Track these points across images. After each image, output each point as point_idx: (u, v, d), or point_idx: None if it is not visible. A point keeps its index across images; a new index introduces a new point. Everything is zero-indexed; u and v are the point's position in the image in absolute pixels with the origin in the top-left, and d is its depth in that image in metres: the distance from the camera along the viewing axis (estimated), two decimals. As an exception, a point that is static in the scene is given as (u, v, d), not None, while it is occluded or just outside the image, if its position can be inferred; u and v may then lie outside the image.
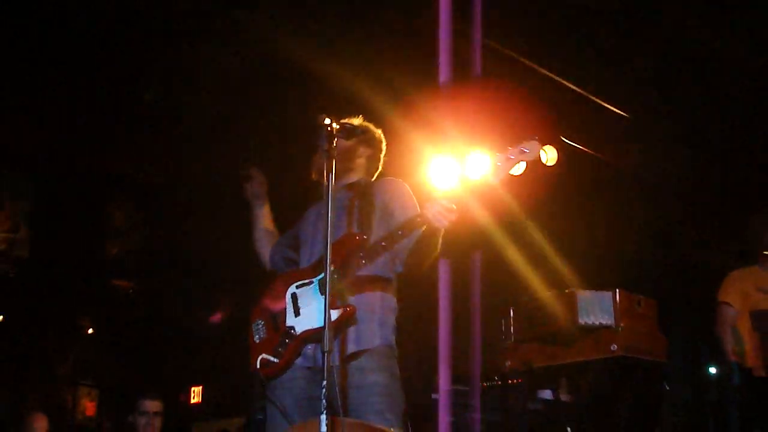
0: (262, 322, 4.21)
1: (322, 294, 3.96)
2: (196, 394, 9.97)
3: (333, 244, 3.98)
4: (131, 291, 10.82)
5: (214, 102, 7.49)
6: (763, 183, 7.37)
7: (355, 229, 4.17)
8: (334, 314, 3.90)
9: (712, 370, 7.56)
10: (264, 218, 4.67)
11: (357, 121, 4.46)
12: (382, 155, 4.56)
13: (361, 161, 4.47)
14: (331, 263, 3.90)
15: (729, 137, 7.50)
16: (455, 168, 7.51)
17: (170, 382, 9.55)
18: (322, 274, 3.95)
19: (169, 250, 10.17)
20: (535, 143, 3.86)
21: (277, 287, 4.23)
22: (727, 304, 6.28)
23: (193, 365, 9.93)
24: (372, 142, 4.52)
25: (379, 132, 4.56)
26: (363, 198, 4.30)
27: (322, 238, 3.77)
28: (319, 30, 6.48)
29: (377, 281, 4.13)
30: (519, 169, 7.66)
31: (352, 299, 4.02)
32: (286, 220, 4.65)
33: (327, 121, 3.93)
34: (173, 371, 10.03)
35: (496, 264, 7.35)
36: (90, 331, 10.72)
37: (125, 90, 7.72)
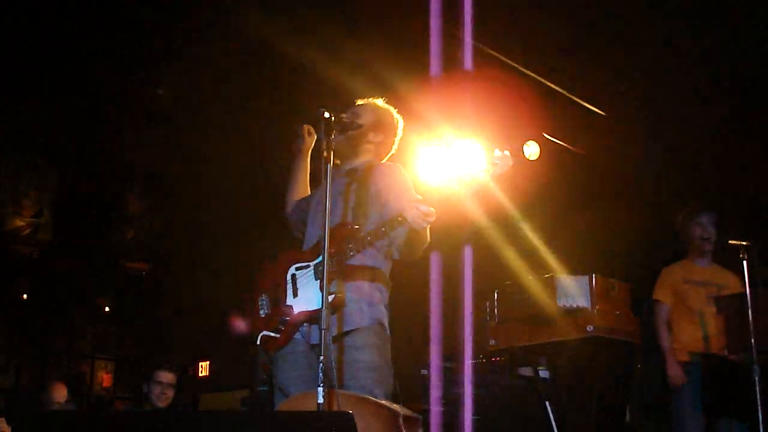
0: (266, 298, 4.18)
1: (317, 278, 3.97)
2: (203, 368, 9.93)
3: (329, 232, 3.98)
4: (145, 273, 10.80)
5: (223, 93, 7.44)
6: (734, 176, 7.35)
7: (349, 218, 4.12)
8: (331, 299, 3.87)
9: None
10: (299, 173, 4.56)
11: (373, 103, 4.40)
12: (396, 139, 4.45)
13: (369, 146, 4.37)
14: (331, 247, 3.91)
15: (698, 134, 7.48)
16: (443, 159, 7.47)
17: (180, 356, 9.51)
18: (319, 259, 3.95)
19: (180, 235, 10.15)
20: (505, 156, 3.83)
21: (280, 265, 4.19)
22: (659, 301, 6.22)
23: (200, 341, 9.90)
24: (385, 127, 4.40)
25: (396, 117, 4.44)
26: (360, 185, 4.21)
27: (320, 225, 3.77)
28: (313, 24, 6.42)
29: (366, 270, 4.07)
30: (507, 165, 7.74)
31: (339, 285, 3.96)
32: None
33: (326, 114, 3.91)
34: (183, 347, 10.01)
35: (482, 251, 7.33)
36: (107, 309, 10.70)
37: (141, 84, 7.68)
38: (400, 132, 4.46)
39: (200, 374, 9.94)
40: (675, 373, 6.00)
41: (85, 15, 6.75)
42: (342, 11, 6.45)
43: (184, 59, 7.12)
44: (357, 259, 4.00)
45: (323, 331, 3.60)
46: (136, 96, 7.94)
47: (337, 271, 3.95)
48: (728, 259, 5.90)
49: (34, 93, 8.01)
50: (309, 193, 4.56)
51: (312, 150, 4.57)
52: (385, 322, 4.13)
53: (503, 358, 7.00)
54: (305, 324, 4.02)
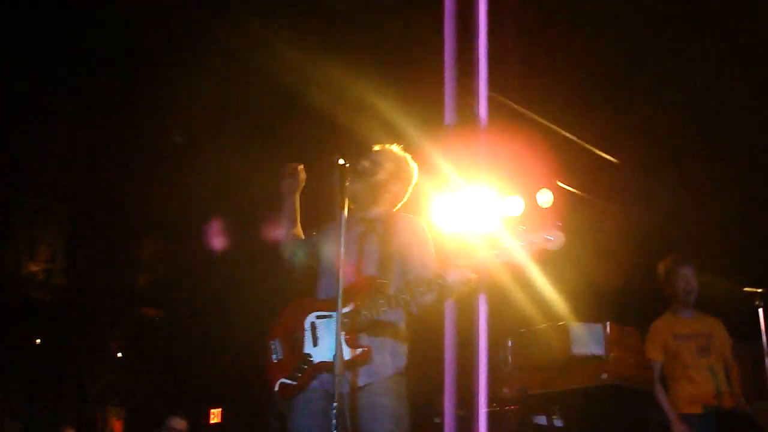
0: (279, 343, 4.14)
1: (341, 330, 3.87)
2: (215, 416, 9.88)
3: (353, 284, 3.99)
4: (157, 318, 10.80)
5: (238, 140, 7.48)
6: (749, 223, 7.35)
7: (373, 270, 4.10)
8: (350, 352, 3.90)
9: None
10: (291, 214, 4.53)
11: (391, 151, 4.41)
12: (410, 188, 4.41)
13: (387, 196, 4.32)
14: (350, 301, 3.92)
15: (713, 181, 7.49)
16: (457, 207, 7.49)
17: (191, 403, 9.48)
18: (343, 311, 3.88)
19: (192, 282, 10.15)
20: (561, 234, 3.81)
21: (297, 312, 4.16)
22: (651, 359, 6.19)
23: (212, 388, 9.86)
24: (403, 176, 4.36)
25: (412, 164, 4.40)
26: (382, 237, 4.19)
27: (336, 278, 3.79)
28: (328, 70, 6.47)
29: (390, 326, 4.05)
30: (517, 210, 7.76)
31: (367, 340, 3.97)
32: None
33: (341, 162, 3.93)
34: (194, 393, 9.97)
35: (496, 298, 7.31)
36: (119, 354, 10.69)
37: (155, 132, 7.73)
38: (415, 179, 4.44)
39: (212, 421, 9.89)
40: (680, 429, 5.95)
41: (101, 62, 6.81)
42: (357, 58, 6.50)
43: (198, 106, 7.17)
44: (386, 315, 3.98)
45: (337, 377, 3.61)
46: (150, 142, 7.99)
47: (365, 325, 3.95)
48: (743, 309, 5.87)
49: (49, 139, 8.08)
50: (301, 234, 4.52)
51: (324, 194, 4.57)
52: (405, 370, 4.10)
53: (517, 406, 6.94)
54: (324, 374, 4.00)
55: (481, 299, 7.22)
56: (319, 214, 4.52)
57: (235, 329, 9.48)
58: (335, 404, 3.57)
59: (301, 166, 4.53)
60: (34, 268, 9.87)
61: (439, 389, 7.01)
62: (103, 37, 6.63)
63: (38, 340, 9.91)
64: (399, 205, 4.41)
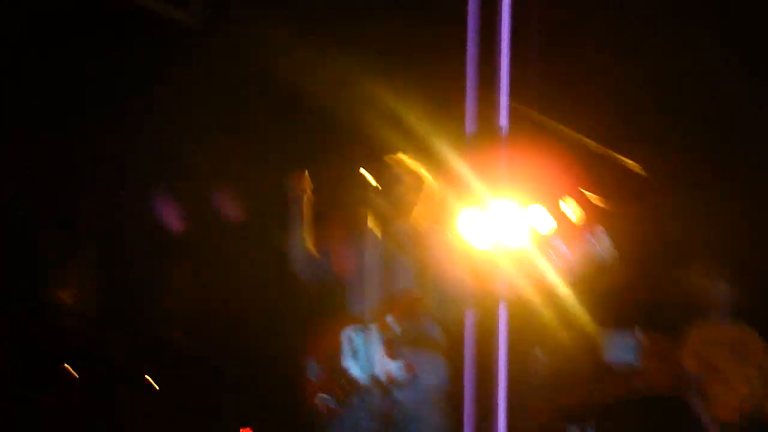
0: (317, 360, 4.16)
1: (380, 342, 3.98)
2: (246, 435, 9.84)
3: (396, 298, 4.05)
4: (186, 342, 10.80)
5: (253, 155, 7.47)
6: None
7: (410, 284, 4.12)
8: (393, 365, 3.96)
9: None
10: (301, 224, 4.53)
11: (411, 162, 4.40)
12: (428, 198, 4.48)
13: (410, 208, 4.39)
14: (390, 314, 3.90)
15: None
16: (482, 221, 7.44)
17: (222, 425, 9.46)
18: (382, 323, 3.99)
19: (221, 303, 10.17)
20: (607, 239, 3.78)
21: (332, 327, 4.19)
22: (686, 368, 6.15)
23: (244, 409, 9.85)
24: (419, 188, 4.43)
25: (426, 174, 4.47)
26: (416, 251, 4.22)
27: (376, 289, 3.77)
28: (350, 79, 6.47)
29: (431, 340, 4.13)
30: (546, 223, 7.68)
31: (407, 352, 3.99)
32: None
33: (364, 173, 3.94)
34: (224, 414, 9.96)
35: (522, 309, 7.24)
36: (150, 380, 10.68)
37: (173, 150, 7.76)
38: (431, 188, 4.50)
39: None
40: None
41: (90, 92, 6.82)
42: (379, 67, 6.51)
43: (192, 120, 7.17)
44: (423, 327, 4.06)
45: (374, 391, 3.60)
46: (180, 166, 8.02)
47: (406, 338, 3.97)
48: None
49: (74, 170, 8.13)
50: (311, 246, 4.51)
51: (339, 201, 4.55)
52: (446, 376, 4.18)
53: (546, 420, 6.88)
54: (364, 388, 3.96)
55: (502, 310, 7.17)
56: (336, 222, 4.52)
57: (261, 348, 9.47)
58: (371, 423, 3.56)
59: (306, 173, 4.51)
60: (64, 296, 9.92)
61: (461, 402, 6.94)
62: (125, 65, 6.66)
63: (73, 371, 9.92)
64: (422, 216, 4.41)
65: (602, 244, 3.77)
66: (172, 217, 9.09)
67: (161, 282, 10.65)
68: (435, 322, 4.00)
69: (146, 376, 10.52)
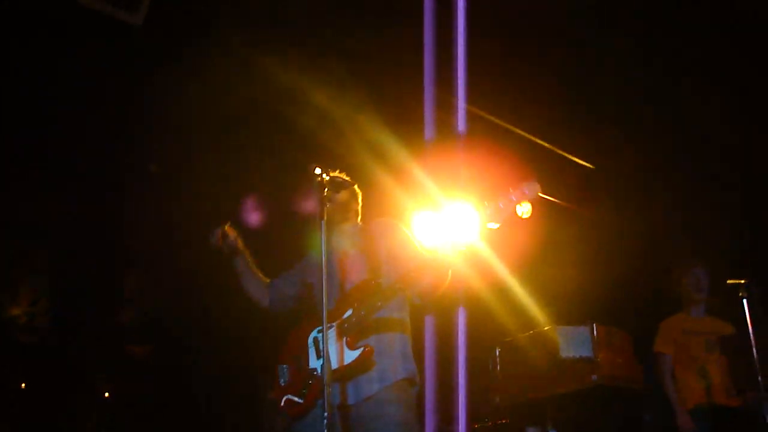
0: (286, 366, 4.20)
1: (342, 336, 3.97)
2: (208, 448, 9.78)
3: (350, 290, 4.09)
4: (144, 355, 10.69)
5: (218, 164, 7.45)
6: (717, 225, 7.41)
7: (365, 275, 4.15)
8: (354, 354, 3.93)
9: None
10: (249, 268, 4.60)
11: (340, 176, 4.47)
12: (360, 206, 4.57)
13: (353, 212, 4.49)
14: (348, 307, 3.93)
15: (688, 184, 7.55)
16: (437, 224, 7.50)
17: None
18: (342, 318, 4.01)
19: (178, 315, 10.09)
20: (534, 184, 3.85)
21: (300, 333, 4.21)
22: (662, 353, 6.29)
23: (205, 423, 9.77)
24: (356, 194, 4.53)
25: (355, 186, 4.56)
26: (367, 242, 4.30)
27: (336, 285, 3.81)
28: (307, 87, 6.49)
29: (396, 322, 4.11)
30: (497, 222, 7.76)
31: (373, 339, 4.00)
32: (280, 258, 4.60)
33: (318, 171, 3.97)
34: (186, 428, 9.87)
35: (478, 310, 7.30)
36: (107, 394, 10.56)
37: (132, 161, 7.70)
38: (360, 199, 4.58)
39: (204, 454, 9.78)
40: (684, 422, 5.99)
41: (72, 90, 6.75)
42: (337, 76, 6.53)
43: (175, 131, 7.13)
44: (385, 311, 4.03)
45: (326, 387, 3.59)
46: (128, 172, 7.95)
47: (365, 326, 3.99)
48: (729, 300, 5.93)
49: (22, 178, 8.03)
50: (264, 279, 4.60)
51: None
52: (416, 377, 4.15)
53: (507, 420, 6.92)
54: (333, 385, 3.95)
55: (461, 312, 7.22)
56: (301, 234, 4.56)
57: (225, 360, 9.43)
58: (326, 414, 3.54)
59: (227, 225, 4.58)
60: (16, 311, 9.76)
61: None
62: (80, 71, 6.59)
63: (23, 384, 9.77)
64: (359, 218, 4.55)
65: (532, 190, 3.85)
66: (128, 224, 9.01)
67: (115, 293, 10.55)
68: (399, 299, 4.01)
69: (105, 391, 10.42)
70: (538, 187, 3.85)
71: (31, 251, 9.90)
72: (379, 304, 3.96)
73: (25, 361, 9.79)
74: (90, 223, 9.00)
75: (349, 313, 3.99)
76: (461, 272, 4.07)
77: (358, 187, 4.57)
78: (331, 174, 4.31)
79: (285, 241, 4.66)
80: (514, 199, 3.86)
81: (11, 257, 9.81)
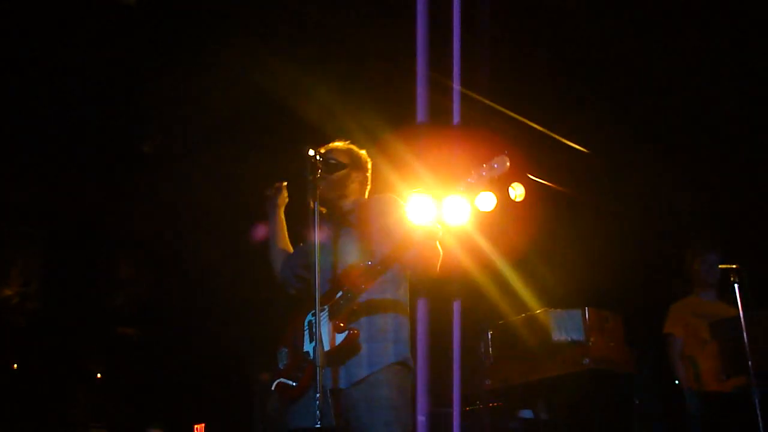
0: (286, 350, 4.16)
1: (331, 320, 3.93)
2: (199, 431, 9.79)
3: (342, 272, 4.02)
4: (137, 337, 10.69)
5: (213, 151, 7.43)
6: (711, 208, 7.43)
7: (356, 257, 4.08)
8: (340, 337, 3.88)
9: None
10: (278, 232, 4.56)
11: (342, 144, 4.43)
12: (369, 174, 4.47)
13: (354, 186, 4.37)
14: (339, 288, 3.95)
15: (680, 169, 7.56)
16: (431, 208, 7.49)
17: (175, 421, 9.39)
18: (333, 300, 3.97)
19: (172, 298, 10.09)
20: (503, 158, 3.84)
21: (299, 316, 4.17)
22: (671, 334, 6.31)
23: (195, 404, 9.79)
24: (361, 165, 4.42)
25: (363, 153, 4.47)
26: (360, 223, 4.22)
27: (326, 269, 3.79)
28: (303, 72, 6.47)
29: (389, 303, 4.05)
30: (490, 205, 7.77)
31: (363, 321, 3.96)
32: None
33: (311, 153, 3.95)
34: (177, 411, 9.89)
35: (472, 292, 7.31)
36: (99, 376, 10.56)
37: (127, 143, 7.67)
38: (370, 166, 4.50)
39: (196, 437, 9.80)
40: (694, 404, 6.05)
41: (76, 77, 6.73)
42: (330, 59, 6.51)
43: (170, 114, 7.11)
44: (375, 292, 3.98)
45: (318, 369, 3.58)
46: (122, 156, 7.92)
47: (354, 309, 3.94)
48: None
49: (16, 160, 8.00)
50: (290, 248, 4.55)
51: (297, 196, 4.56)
52: (410, 361, 4.09)
53: (501, 403, 6.94)
54: (326, 369, 3.88)
55: (456, 297, 7.23)
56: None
57: (217, 344, 9.44)
58: (318, 395, 3.53)
59: (285, 184, 4.56)
60: (8, 292, 9.74)
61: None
62: (80, 53, 6.56)
63: (15, 365, 9.77)
64: (367, 192, 4.45)
65: (502, 164, 3.84)
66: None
67: (107, 276, 10.55)
68: (383, 275, 3.88)
69: (97, 372, 10.43)
70: (507, 160, 3.81)
71: (24, 232, 9.88)
72: (363, 286, 3.90)
73: (16, 342, 9.79)
74: (84, 206, 8.99)
75: (339, 295, 3.96)
76: (453, 252, 4.04)
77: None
78: (327, 155, 4.30)
79: (289, 233, 4.60)
80: (484, 174, 3.82)
81: (3, 238, 9.79)
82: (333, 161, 4.24)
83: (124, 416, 10.50)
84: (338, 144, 4.46)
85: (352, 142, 4.50)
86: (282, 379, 4.06)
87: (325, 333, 3.92)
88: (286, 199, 4.59)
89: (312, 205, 3.86)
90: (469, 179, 3.86)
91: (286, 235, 4.59)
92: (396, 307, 4.09)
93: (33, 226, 9.85)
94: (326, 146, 4.41)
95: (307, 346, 4.03)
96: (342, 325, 3.88)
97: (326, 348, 3.86)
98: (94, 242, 9.95)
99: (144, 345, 10.64)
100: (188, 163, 7.64)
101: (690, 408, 6.10)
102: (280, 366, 4.13)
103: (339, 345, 3.87)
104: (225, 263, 8.94)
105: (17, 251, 9.84)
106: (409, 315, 4.21)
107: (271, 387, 4.11)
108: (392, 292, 4.07)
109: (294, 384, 4.00)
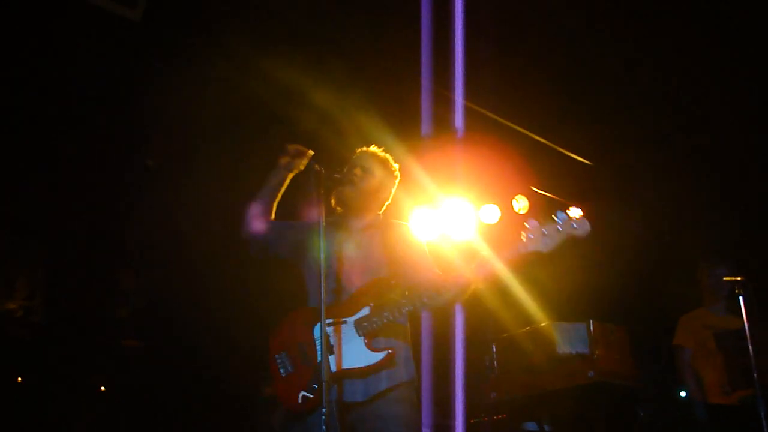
0: (286, 356, 4.07)
1: (359, 335, 3.92)
2: (203, 443, 9.79)
3: (364, 287, 4.03)
4: (141, 350, 10.69)
5: (213, 159, 7.44)
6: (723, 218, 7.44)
7: (383, 273, 4.10)
8: (378, 356, 3.91)
9: (683, 393, 7.53)
10: (274, 191, 4.40)
11: (380, 152, 4.40)
12: (394, 189, 4.45)
13: (377, 202, 4.36)
14: (364, 305, 3.95)
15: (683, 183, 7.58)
16: (434, 219, 7.52)
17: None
18: (358, 315, 3.95)
19: (173, 310, 10.09)
20: (585, 221, 3.79)
21: (300, 322, 4.09)
22: (680, 346, 6.34)
23: (200, 418, 9.78)
24: (391, 180, 4.40)
25: (395, 166, 4.43)
26: (385, 241, 4.20)
27: (335, 284, 3.81)
28: (307, 87, 6.48)
29: (400, 328, 4.08)
30: (494, 218, 7.79)
31: (382, 342, 3.97)
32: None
33: (317, 168, 3.97)
34: (182, 424, 9.88)
35: (476, 306, 7.31)
36: (102, 389, 10.55)
37: (128, 157, 7.69)
38: (398, 180, 4.46)
39: (200, 448, 9.79)
40: (703, 416, 6.07)
41: (75, 90, 6.74)
42: (334, 72, 6.52)
43: (175, 132, 7.12)
44: (395, 317, 3.97)
45: (324, 383, 3.58)
46: (124, 170, 7.94)
47: (384, 327, 3.94)
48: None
49: (20, 173, 8.02)
50: (273, 215, 4.42)
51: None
52: (416, 381, 4.12)
53: (505, 415, 6.94)
54: (345, 382, 3.93)
55: (458, 308, 7.22)
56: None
57: (222, 357, 9.45)
58: (324, 410, 3.53)
59: (311, 152, 4.36)
60: (11, 305, 9.76)
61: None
62: (78, 66, 6.57)
63: (19, 379, 9.77)
64: (384, 207, 4.43)
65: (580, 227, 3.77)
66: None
67: (111, 288, 10.54)
68: (417, 308, 3.89)
69: (101, 386, 10.43)
70: (588, 225, 3.75)
71: (27, 245, 9.89)
72: (407, 308, 3.90)
73: (20, 356, 9.80)
74: (87, 218, 9.00)
75: (365, 311, 3.93)
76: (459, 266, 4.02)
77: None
78: (369, 152, 4.27)
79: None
80: (561, 229, 3.76)
81: (7, 251, 9.80)
82: (338, 177, 4.20)
83: (128, 430, 10.50)
84: (374, 153, 4.40)
85: (387, 151, 4.44)
86: (304, 392, 3.97)
87: (351, 349, 3.91)
88: (300, 168, 4.38)
89: (318, 218, 3.86)
90: (543, 230, 3.79)
91: (276, 200, 4.44)
92: (405, 335, 4.12)
93: (36, 239, 9.87)
94: (363, 149, 4.40)
95: (324, 357, 3.90)
96: (373, 343, 3.91)
97: (352, 364, 3.88)
98: (97, 254, 9.96)
99: (148, 357, 10.64)
100: (189, 172, 7.64)
101: (697, 419, 6.12)
102: (282, 373, 4.05)
103: (375, 364, 3.89)
104: (230, 274, 8.95)
105: (21, 264, 9.86)
106: (413, 327, 4.23)
107: (295, 401, 3.98)
108: (403, 318, 4.07)
109: (311, 396, 3.93)
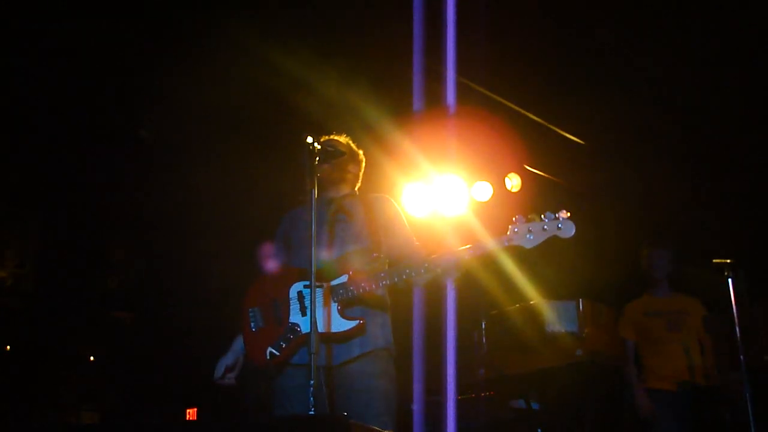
0: (260, 311, 4.11)
1: (334, 301, 3.95)
2: (191, 415, 9.81)
3: (345, 256, 4.06)
4: (130, 321, 10.69)
5: (205, 132, 7.42)
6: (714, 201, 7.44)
7: (364, 245, 4.14)
8: (348, 324, 3.93)
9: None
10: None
11: (342, 139, 4.47)
12: (361, 173, 4.53)
13: (350, 176, 4.42)
14: (343, 272, 3.98)
15: (677, 161, 7.57)
16: (426, 195, 7.51)
17: (167, 404, 9.40)
18: (335, 282, 3.97)
19: (164, 282, 10.08)
20: (570, 223, 3.82)
21: (278, 280, 4.13)
22: (623, 338, 6.32)
23: (188, 388, 9.79)
24: (358, 158, 4.49)
25: (359, 150, 4.54)
26: (365, 213, 4.27)
27: (308, 249, 3.75)
28: (300, 62, 6.45)
29: (380, 299, 4.10)
30: (486, 195, 7.77)
31: (357, 311, 4.00)
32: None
33: (310, 140, 3.95)
34: (169, 395, 9.90)
35: (466, 282, 7.31)
36: (91, 359, 10.57)
37: (123, 128, 7.66)
38: (363, 162, 4.56)
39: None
40: (643, 404, 6.06)
41: (72, 60, 6.71)
42: (324, 48, 6.49)
43: (167, 101, 7.09)
44: (371, 288, 3.98)
45: (312, 355, 3.58)
46: (117, 140, 7.91)
47: (359, 298, 3.97)
48: (715, 279, 5.95)
49: (12, 142, 7.98)
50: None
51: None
52: (393, 349, 4.15)
53: (493, 392, 6.96)
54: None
55: (449, 284, 7.23)
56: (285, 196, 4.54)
57: (210, 328, 9.45)
58: (312, 381, 3.54)
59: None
60: (2, 273, 9.74)
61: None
62: (77, 35, 6.53)
63: (8, 347, 9.77)
64: (357, 186, 4.50)
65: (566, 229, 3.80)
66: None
67: (102, 259, 10.53)
68: (401, 281, 3.90)
69: (90, 355, 10.44)
70: (573, 228, 3.79)
71: (19, 214, 9.86)
72: (385, 281, 3.92)
73: (10, 324, 9.79)
74: (79, 188, 8.98)
75: (343, 278, 3.96)
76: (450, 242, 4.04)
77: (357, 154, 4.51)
78: (325, 142, 4.31)
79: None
80: (546, 230, 3.79)
81: None
82: (332, 148, 4.25)
83: (116, 400, 10.52)
84: (337, 136, 4.50)
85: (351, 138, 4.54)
86: (271, 349, 4.01)
87: (320, 313, 3.94)
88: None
89: (309, 191, 3.86)
90: (530, 227, 3.81)
91: None
92: (383, 305, 4.15)
93: (28, 208, 9.84)
94: (326, 136, 4.44)
95: (295, 318, 4.00)
96: (344, 310, 3.93)
97: (322, 329, 3.89)
98: (89, 225, 9.93)
99: (137, 328, 10.64)
100: (184, 148, 7.62)
101: (640, 407, 6.11)
102: (253, 327, 4.09)
103: (344, 332, 3.92)
104: (221, 247, 8.93)
105: (12, 233, 9.83)
106: (404, 305, 4.26)
107: (263, 356, 4.00)
108: (382, 290, 4.08)
109: (277, 353, 3.98)
